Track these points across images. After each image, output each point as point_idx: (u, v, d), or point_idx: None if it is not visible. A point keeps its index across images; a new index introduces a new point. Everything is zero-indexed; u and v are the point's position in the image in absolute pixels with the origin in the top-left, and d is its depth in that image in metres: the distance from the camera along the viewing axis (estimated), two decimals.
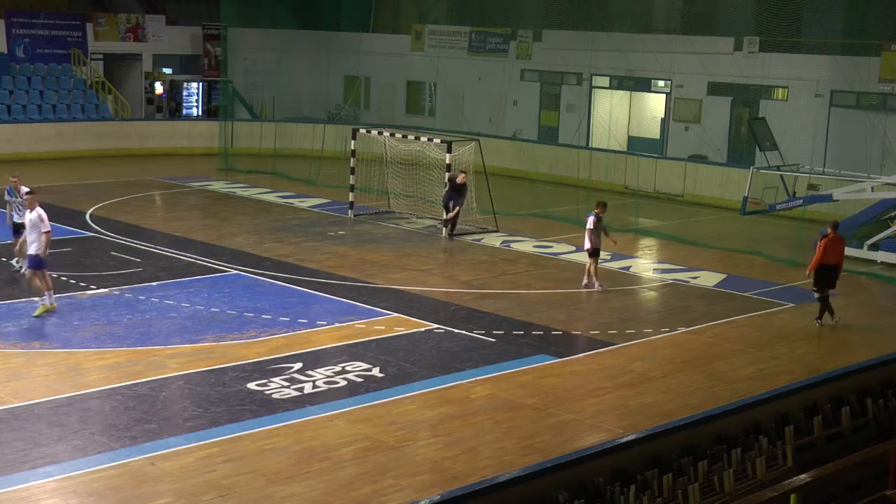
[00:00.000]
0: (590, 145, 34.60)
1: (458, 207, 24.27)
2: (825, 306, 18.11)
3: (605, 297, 19.64)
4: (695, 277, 21.40)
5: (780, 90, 31.38)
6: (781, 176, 26.25)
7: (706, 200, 30.61)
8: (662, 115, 34.54)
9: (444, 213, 24.54)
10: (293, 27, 41.02)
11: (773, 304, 19.53)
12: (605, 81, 35.75)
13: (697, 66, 32.47)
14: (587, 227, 20.05)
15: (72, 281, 18.95)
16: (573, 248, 23.49)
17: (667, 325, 17.88)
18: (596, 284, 20.03)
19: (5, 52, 36.85)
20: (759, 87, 31.61)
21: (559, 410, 13.70)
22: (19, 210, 19.41)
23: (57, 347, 15.34)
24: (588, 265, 20.21)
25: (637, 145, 34.47)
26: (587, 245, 20.06)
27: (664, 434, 11.13)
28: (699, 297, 19.94)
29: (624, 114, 35.56)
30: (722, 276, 21.51)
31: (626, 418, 13.45)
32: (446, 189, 24.39)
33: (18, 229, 19.47)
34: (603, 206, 20.40)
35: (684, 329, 17.70)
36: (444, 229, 24.45)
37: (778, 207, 25.82)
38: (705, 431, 11.44)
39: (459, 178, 24.29)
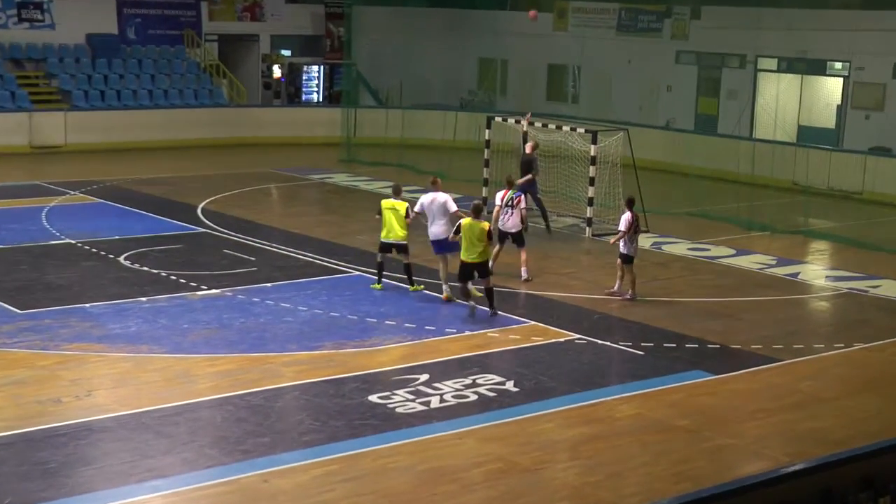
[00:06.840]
0: (753, 136, 34.07)
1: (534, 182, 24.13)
2: None
3: (771, 308, 19.28)
4: (875, 287, 20.86)
5: None
6: None
7: (889, 199, 29.85)
8: (839, 102, 33.83)
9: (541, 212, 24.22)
10: (423, 5, 41.33)
11: None
12: (772, 64, 35.17)
13: (881, 45, 31.67)
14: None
15: (182, 280, 19.44)
16: (733, 252, 23.13)
17: (841, 340, 17.49)
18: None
19: (116, 32, 37.95)
20: None
21: (715, 434, 13.52)
22: (506, 213, 20.53)
23: (166, 352, 15.73)
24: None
25: (808, 136, 33.80)
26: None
27: (837, 465, 10.86)
28: (880, 309, 19.46)
29: (794, 100, 34.92)
30: None
31: (793, 445, 13.20)
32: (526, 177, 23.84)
33: (502, 237, 20.58)
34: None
35: (861, 345, 17.29)
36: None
37: None
38: (886, 463, 11.13)
39: (528, 148, 24.38)
